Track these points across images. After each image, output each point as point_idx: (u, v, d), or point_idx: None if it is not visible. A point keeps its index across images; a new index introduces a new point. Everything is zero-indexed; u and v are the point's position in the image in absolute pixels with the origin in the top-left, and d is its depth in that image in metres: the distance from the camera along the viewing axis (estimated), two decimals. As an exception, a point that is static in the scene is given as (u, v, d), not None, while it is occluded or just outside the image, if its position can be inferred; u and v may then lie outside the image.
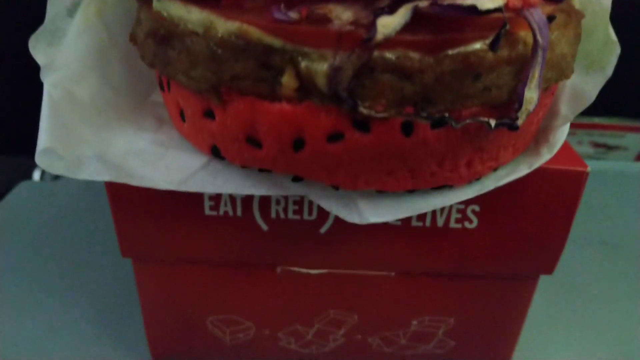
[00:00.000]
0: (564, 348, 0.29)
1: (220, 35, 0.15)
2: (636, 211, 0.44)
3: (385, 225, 0.21)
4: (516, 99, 0.16)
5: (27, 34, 0.20)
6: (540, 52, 0.15)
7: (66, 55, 0.20)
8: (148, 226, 0.22)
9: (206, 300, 0.24)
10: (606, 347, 0.29)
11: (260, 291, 0.24)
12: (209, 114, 0.17)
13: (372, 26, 0.14)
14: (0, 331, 0.29)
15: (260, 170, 0.19)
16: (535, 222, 0.21)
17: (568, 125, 0.20)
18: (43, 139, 0.18)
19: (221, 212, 0.21)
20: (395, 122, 0.15)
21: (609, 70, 0.19)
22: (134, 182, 0.18)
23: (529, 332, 0.30)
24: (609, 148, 0.61)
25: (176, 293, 0.24)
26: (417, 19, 0.14)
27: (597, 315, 0.32)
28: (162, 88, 0.20)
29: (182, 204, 0.21)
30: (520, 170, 0.19)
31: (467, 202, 0.21)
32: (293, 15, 0.15)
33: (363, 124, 0.15)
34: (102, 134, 0.20)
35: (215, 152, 0.19)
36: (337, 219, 0.21)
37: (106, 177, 0.18)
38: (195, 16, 0.16)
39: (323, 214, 0.21)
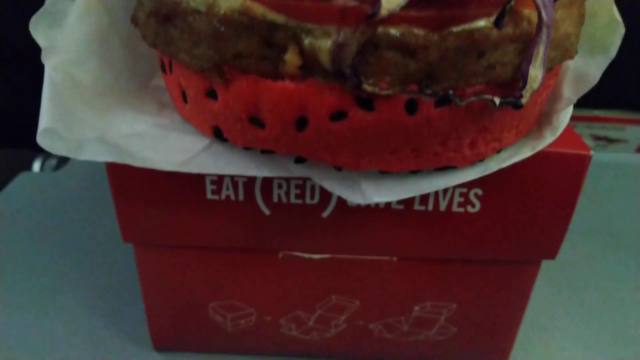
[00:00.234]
0: (565, 336, 0.29)
1: (223, 13, 0.15)
2: (638, 202, 0.44)
3: (387, 210, 0.21)
4: (520, 77, 0.16)
5: (25, 27, 0.20)
6: (545, 30, 0.15)
7: (67, 38, 0.20)
8: (149, 210, 0.22)
9: (208, 285, 0.24)
10: (608, 336, 0.29)
11: (262, 276, 0.24)
12: (212, 94, 0.17)
13: (376, 1, 0.14)
14: (1, 322, 0.29)
15: (263, 152, 0.19)
16: (537, 206, 0.21)
17: (571, 108, 0.20)
18: (44, 120, 0.18)
19: (223, 197, 0.21)
20: (399, 100, 0.15)
21: (613, 51, 0.19)
22: (136, 163, 0.18)
23: (531, 320, 0.30)
24: (610, 141, 0.61)
25: (177, 278, 0.24)
26: (422, -5, 0.14)
27: (598, 304, 0.32)
28: (163, 70, 0.20)
29: (183, 188, 0.21)
30: (523, 152, 0.19)
31: (470, 186, 0.21)
32: (296, -10, 0.15)
33: (367, 102, 0.15)
34: (103, 117, 0.20)
35: (218, 134, 0.18)
36: (339, 204, 0.21)
37: (108, 158, 0.18)
38: (197, -6, 0.16)
39: (325, 198, 0.21)
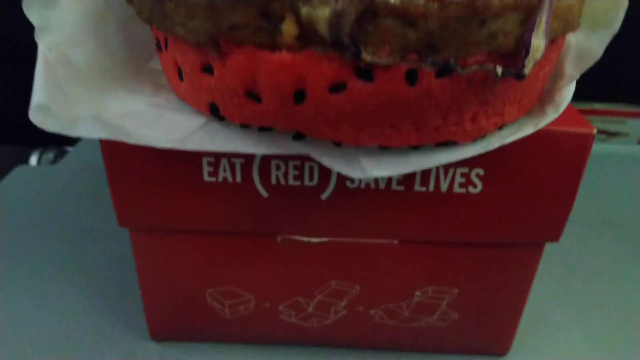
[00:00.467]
0: (567, 327, 0.29)
1: (218, -17, 0.15)
2: (639, 192, 0.43)
3: (387, 191, 0.21)
4: (523, 46, 0.15)
5: (21, 24, 0.19)
6: (547, -2, 0.15)
7: (62, 18, 0.20)
8: (145, 193, 0.21)
9: (205, 271, 0.24)
10: (610, 326, 0.29)
11: (261, 261, 0.23)
12: (208, 69, 0.17)
13: (374, -33, 0.14)
14: (-4, 310, 0.28)
15: (260, 129, 0.18)
16: (540, 187, 0.21)
17: (574, 85, 0.20)
18: (37, 96, 0.17)
19: (220, 179, 0.21)
20: (399, 70, 0.15)
21: (617, 25, 0.18)
22: (131, 141, 0.18)
23: (533, 311, 0.30)
24: (610, 134, 0.60)
25: (174, 264, 0.24)
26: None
27: (600, 295, 0.32)
28: (159, 48, 0.20)
29: (180, 170, 0.21)
30: (525, 129, 0.19)
31: (471, 166, 0.20)
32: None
33: (366, 73, 0.15)
34: (98, 97, 0.20)
35: (214, 110, 0.18)
36: (339, 185, 0.21)
37: (102, 135, 0.18)
38: (193, -36, 0.16)
39: (324, 179, 0.21)
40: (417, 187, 0.21)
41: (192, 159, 0.21)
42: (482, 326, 0.25)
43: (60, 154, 0.47)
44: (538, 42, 0.15)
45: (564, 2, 0.16)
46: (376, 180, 0.21)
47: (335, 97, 0.15)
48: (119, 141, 0.20)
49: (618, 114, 0.59)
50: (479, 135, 0.18)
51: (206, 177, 0.21)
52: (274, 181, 0.21)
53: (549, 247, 0.35)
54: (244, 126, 0.18)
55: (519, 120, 0.19)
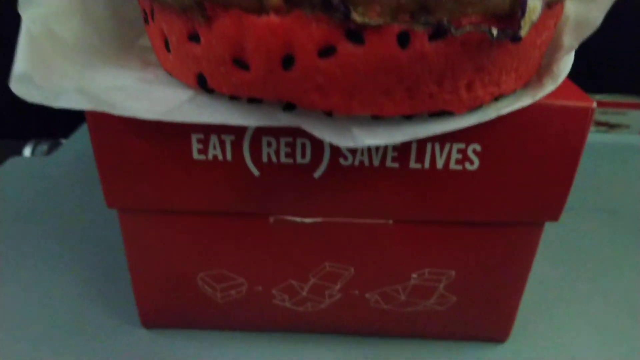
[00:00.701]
0: (567, 313, 0.29)
1: (202, -57, 0.14)
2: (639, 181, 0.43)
3: (382, 169, 0.20)
4: (519, 7, 0.15)
5: (15, 17, 0.19)
6: (544, -43, 0.14)
7: None
8: (133, 172, 0.21)
9: (196, 253, 0.23)
10: (610, 311, 0.29)
11: (253, 243, 0.23)
12: (194, 38, 0.16)
13: None
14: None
15: (250, 101, 0.18)
16: (539, 163, 0.20)
17: (572, 57, 0.19)
18: (19, 65, 0.17)
19: (210, 157, 0.20)
20: (391, 32, 0.14)
21: None
22: (115, 112, 0.17)
23: (532, 297, 0.29)
24: (611, 126, 0.60)
25: (164, 247, 0.23)
26: None
27: (600, 281, 0.31)
28: (146, 21, 0.19)
29: (168, 147, 0.20)
30: (523, 100, 0.18)
31: (468, 141, 0.20)
32: None
33: (356, 35, 0.14)
34: (83, 71, 0.19)
35: (202, 82, 0.18)
36: (332, 163, 0.20)
37: (86, 106, 0.17)
38: None
39: (317, 157, 0.20)
40: (412, 164, 0.20)
41: (181, 136, 0.20)
42: (481, 310, 0.25)
43: (55, 146, 0.46)
44: (535, 3, 0.15)
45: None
46: (370, 157, 0.20)
47: (325, 62, 0.15)
48: (107, 119, 0.19)
49: (618, 105, 0.59)
50: (475, 105, 0.17)
51: (195, 155, 0.20)
52: (265, 159, 0.20)
53: (549, 235, 0.35)
54: (233, 98, 0.18)
55: (516, 92, 0.19)
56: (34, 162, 0.42)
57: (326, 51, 0.15)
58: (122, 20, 0.23)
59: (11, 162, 0.42)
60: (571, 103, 0.19)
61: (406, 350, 0.26)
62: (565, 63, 0.19)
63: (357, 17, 0.14)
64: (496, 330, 0.26)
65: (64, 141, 0.46)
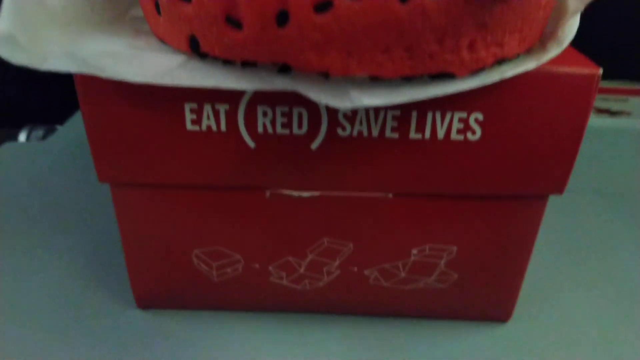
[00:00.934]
0: (569, 294, 0.28)
1: None
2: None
3: (381, 139, 0.20)
4: (524, -42, 0.14)
5: None
6: None
7: None
8: (125, 143, 0.20)
9: (190, 229, 0.23)
10: (611, 293, 0.28)
11: (249, 218, 0.22)
12: (185, -4, 0.16)
13: None
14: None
15: (244, 65, 0.17)
16: (543, 132, 0.20)
17: (577, 21, 0.19)
18: (3, 26, 0.16)
19: (204, 127, 0.20)
20: (390, -15, 0.14)
21: None
22: (104, 75, 0.17)
23: (534, 279, 0.29)
24: (612, 114, 0.59)
25: (157, 222, 0.22)
26: None
27: (604, 261, 0.31)
28: (136, -16, 0.18)
29: (161, 118, 0.20)
30: (527, 64, 0.18)
31: (470, 110, 0.19)
32: None
33: (353, -12, 0.14)
34: (72, 37, 0.19)
35: (194, 45, 0.17)
36: (329, 133, 0.20)
37: (73, 69, 0.16)
38: None
39: (314, 127, 0.20)
40: (413, 135, 0.20)
41: (174, 106, 0.19)
42: (483, 288, 0.24)
43: (50, 132, 0.46)
44: (540, -46, 0.14)
45: None
46: (369, 127, 0.20)
47: (321, 17, 0.14)
48: (98, 88, 0.19)
49: (620, 91, 0.58)
50: (477, 67, 0.17)
51: (189, 126, 0.20)
52: (260, 130, 0.20)
53: (552, 217, 0.35)
54: (227, 63, 0.17)
55: (520, 57, 0.18)
56: (29, 148, 0.42)
57: (322, 5, 0.14)
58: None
59: (6, 147, 0.41)
60: (576, 70, 0.19)
61: (407, 331, 0.25)
62: (571, 27, 0.18)
63: (354, -33, 0.13)
64: (499, 309, 0.25)
65: (59, 127, 0.46)
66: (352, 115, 0.19)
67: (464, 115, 0.19)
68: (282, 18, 0.15)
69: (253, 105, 0.19)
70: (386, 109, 0.19)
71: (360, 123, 0.20)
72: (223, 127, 0.20)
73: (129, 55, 0.18)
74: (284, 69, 0.17)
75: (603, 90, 0.58)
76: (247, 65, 0.17)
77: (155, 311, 0.26)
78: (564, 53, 0.20)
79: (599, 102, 0.59)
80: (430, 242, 0.23)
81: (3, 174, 0.38)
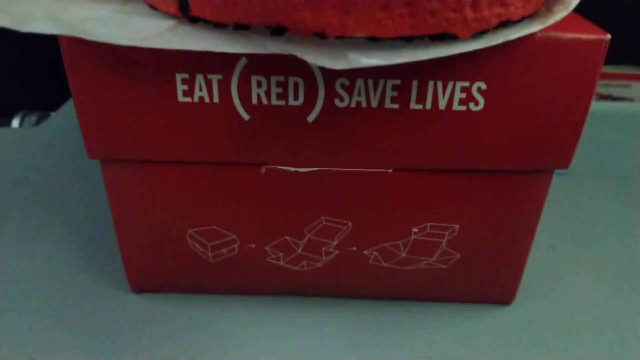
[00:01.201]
0: (572, 277, 0.27)
1: None
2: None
3: (380, 111, 0.19)
4: None
5: None
6: None
7: None
8: (114, 116, 0.19)
9: (183, 208, 0.22)
10: (615, 274, 0.28)
11: (244, 196, 0.21)
12: (174, -46, 0.15)
13: None
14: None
15: (235, 28, 0.16)
16: (549, 102, 0.19)
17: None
18: None
19: (196, 99, 0.19)
20: None
21: None
22: (89, 37, 0.16)
23: (539, 258, 0.28)
24: (614, 99, 0.58)
25: (149, 201, 0.22)
26: None
27: (607, 243, 0.30)
28: (124, -54, 0.18)
29: (151, 89, 0.19)
30: (532, 27, 0.17)
31: (473, 79, 0.18)
32: None
33: (350, -62, 0.13)
34: (57, 3, 0.18)
35: (184, 7, 0.16)
36: (327, 104, 0.19)
37: (57, 31, 0.16)
38: None
39: (310, 98, 0.19)
40: (413, 105, 0.19)
41: (164, 76, 0.19)
42: (486, 269, 0.24)
43: (43, 118, 0.45)
44: None
45: None
46: (368, 97, 0.19)
47: (316, -29, 0.14)
48: (85, 59, 0.18)
49: (622, 77, 0.57)
50: (481, 28, 0.16)
51: (180, 98, 0.19)
52: (255, 101, 0.19)
53: (555, 199, 0.34)
54: (218, 27, 0.16)
55: (524, 20, 0.17)
56: (22, 133, 0.41)
57: (317, -42, 0.13)
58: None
59: (-2, 134, 0.41)
60: (583, 35, 0.18)
61: (407, 314, 0.24)
62: (577, -10, 0.18)
63: None
64: (501, 292, 0.25)
65: (52, 114, 0.45)
66: (350, 84, 0.19)
67: (466, 84, 0.19)
68: (275, -27, 0.14)
69: (247, 75, 0.19)
70: (385, 78, 0.18)
71: (359, 93, 0.19)
72: (216, 98, 0.19)
73: (117, 20, 0.17)
74: (278, 32, 0.16)
75: (604, 76, 0.58)
76: (240, 28, 0.16)
77: (149, 295, 0.25)
78: (571, 19, 0.19)
79: (600, 87, 0.58)
80: (431, 220, 0.22)
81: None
